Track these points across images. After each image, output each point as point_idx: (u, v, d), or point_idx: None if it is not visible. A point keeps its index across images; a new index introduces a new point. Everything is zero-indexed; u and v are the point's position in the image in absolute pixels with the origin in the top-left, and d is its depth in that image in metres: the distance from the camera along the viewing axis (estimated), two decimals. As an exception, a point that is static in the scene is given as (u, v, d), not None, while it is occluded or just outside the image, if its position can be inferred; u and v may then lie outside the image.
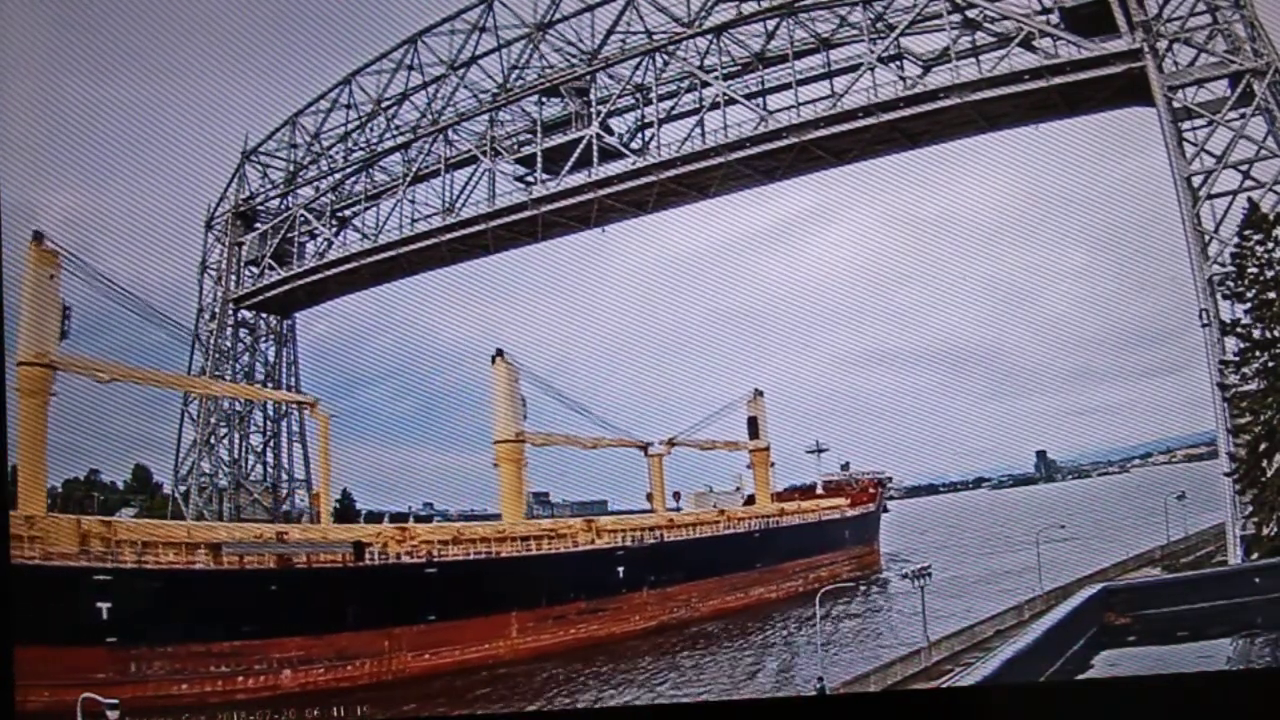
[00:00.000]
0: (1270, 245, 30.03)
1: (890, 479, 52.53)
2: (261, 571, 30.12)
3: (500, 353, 38.79)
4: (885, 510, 51.64)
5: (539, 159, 40.42)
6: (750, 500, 47.23)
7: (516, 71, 41.15)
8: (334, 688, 29.29)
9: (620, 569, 37.04)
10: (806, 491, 49.68)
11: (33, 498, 30.43)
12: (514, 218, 40.59)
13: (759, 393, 45.82)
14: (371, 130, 44.14)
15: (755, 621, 37.20)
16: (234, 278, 45.55)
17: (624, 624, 36.07)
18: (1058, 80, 33.36)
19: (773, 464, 46.94)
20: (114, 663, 26.54)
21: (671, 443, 42.83)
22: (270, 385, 45.44)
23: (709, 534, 41.57)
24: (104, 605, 26.90)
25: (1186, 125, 32.38)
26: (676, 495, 44.61)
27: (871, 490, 50.81)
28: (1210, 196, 31.74)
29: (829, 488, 50.16)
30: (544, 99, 41.02)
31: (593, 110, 39.83)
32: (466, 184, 41.83)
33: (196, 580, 29.18)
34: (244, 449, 44.17)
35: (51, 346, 31.76)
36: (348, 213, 44.93)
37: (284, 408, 44.91)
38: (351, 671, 30.15)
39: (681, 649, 34.23)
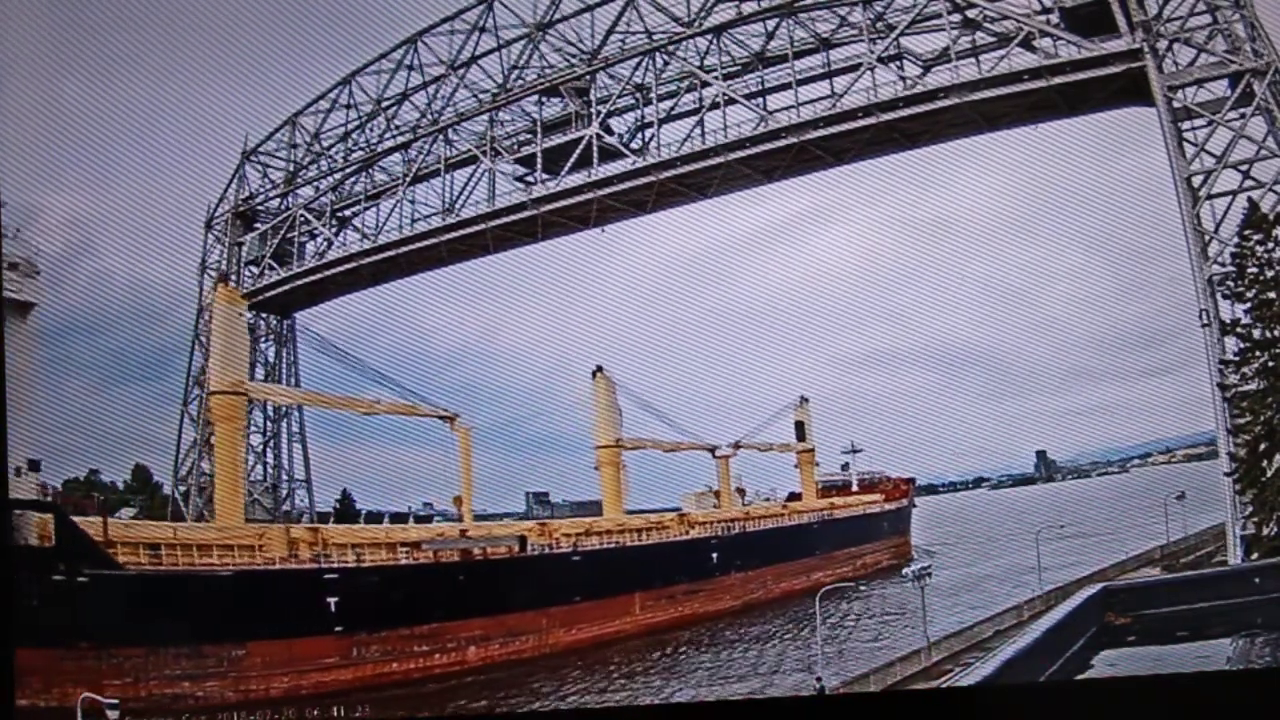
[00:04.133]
0: (1270, 245, 30.02)
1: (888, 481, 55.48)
2: (452, 564, 34.47)
3: (600, 369, 43.29)
4: (914, 505, 55.14)
5: (539, 159, 40.42)
6: (795, 497, 51.69)
7: (516, 71, 41.14)
8: (507, 660, 33.42)
9: (714, 555, 41.93)
10: (843, 489, 54.25)
11: (231, 511, 34.09)
12: (514, 218, 40.57)
13: (804, 399, 50.53)
14: (371, 130, 44.14)
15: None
16: (234, 278, 45.52)
17: (717, 603, 40.79)
18: (1058, 80, 33.34)
19: (817, 464, 52.10)
20: (340, 649, 30.41)
21: (737, 445, 47.73)
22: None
23: (777, 526, 46.68)
24: (332, 600, 30.67)
25: (1186, 125, 32.37)
26: (741, 492, 49.43)
27: (903, 486, 54.53)
28: (1210, 196, 31.73)
29: (864, 484, 54.77)
30: (544, 99, 41.01)
31: (593, 110, 39.83)
32: (466, 184, 41.89)
33: (404, 574, 33.35)
34: (244, 449, 44.12)
35: (243, 376, 35.13)
36: (348, 213, 44.92)
37: (284, 408, 44.95)
38: (518, 646, 34.15)
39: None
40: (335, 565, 31.90)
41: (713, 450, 47.65)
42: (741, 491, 49.38)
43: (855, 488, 54.59)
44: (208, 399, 35.23)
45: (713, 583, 41.13)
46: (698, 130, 38.30)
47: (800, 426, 50.92)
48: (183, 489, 42.52)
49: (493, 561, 35.47)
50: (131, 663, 26.99)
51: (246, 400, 35.18)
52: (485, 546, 35.75)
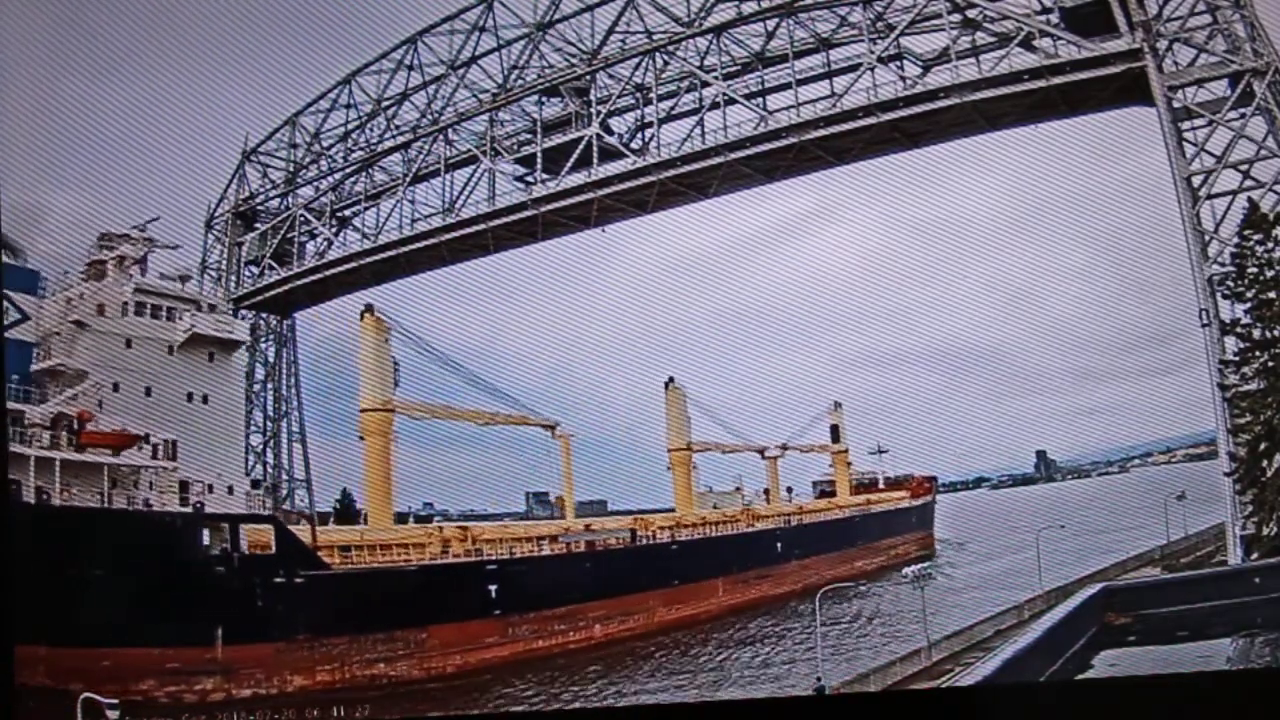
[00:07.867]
0: (1270, 245, 30.02)
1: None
2: (581, 554, 38.96)
3: (671, 379, 47.38)
4: (935, 501, 58.54)
5: (539, 159, 40.42)
6: (829, 492, 56.82)
7: (516, 71, 41.14)
8: (624, 636, 37.22)
9: (778, 545, 46.34)
10: (869, 486, 58.73)
11: (382, 514, 37.26)
12: (514, 217, 40.58)
13: (838, 404, 55.55)
14: (371, 130, 44.14)
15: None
16: (234, 278, 45.54)
17: (779, 587, 44.88)
18: (1058, 80, 33.36)
19: (850, 464, 57.32)
20: (499, 630, 34.29)
21: (784, 447, 52.41)
22: (270, 385, 45.47)
23: (826, 519, 51.47)
24: (492, 587, 34.61)
25: (1186, 125, 32.39)
26: (789, 490, 53.89)
27: (927, 485, 58.41)
28: (1210, 196, 31.74)
29: (889, 482, 59.10)
30: (544, 99, 41.01)
31: (593, 110, 39.83)
32: (466, 184, 41.88)
33: (546, 563, 37.41)
34: (244, 449, 44.11)
35: (390, 395, 38.12)
36: (348, 213, 44.92)
37: (283, 408, 44.99)
38: (631, 624, 38.07)
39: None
40: (494, 557, 36.06)
41: (761, 452, 51.69)
42: (790, 489, 53.90)
43: (882, 485, 59.04)
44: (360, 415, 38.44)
45: (777, 569, 45.44)
46: (698, 130, 38.34)
47: (835, 429, 55.84)
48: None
49: (612, 551, 40.02)
50: (338, 650, 30.58)
51: (393, 414, 37.90)
52: (605, 538, 40.40)
